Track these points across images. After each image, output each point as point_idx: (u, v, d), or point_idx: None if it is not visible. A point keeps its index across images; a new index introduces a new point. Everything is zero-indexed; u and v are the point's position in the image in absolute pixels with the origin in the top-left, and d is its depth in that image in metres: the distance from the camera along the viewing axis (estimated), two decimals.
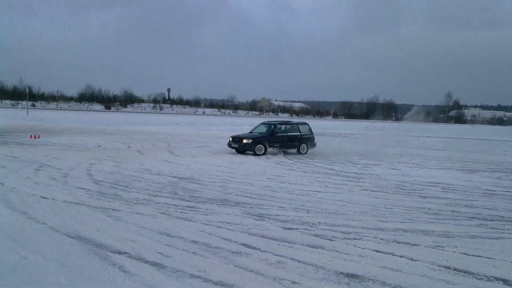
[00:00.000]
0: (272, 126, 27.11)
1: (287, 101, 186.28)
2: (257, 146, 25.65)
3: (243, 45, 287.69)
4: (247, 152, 25.80)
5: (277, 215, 10.81)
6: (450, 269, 7.39)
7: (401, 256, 7.99)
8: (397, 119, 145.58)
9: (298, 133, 27.42)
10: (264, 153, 25.66)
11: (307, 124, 28.67)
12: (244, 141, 25.79)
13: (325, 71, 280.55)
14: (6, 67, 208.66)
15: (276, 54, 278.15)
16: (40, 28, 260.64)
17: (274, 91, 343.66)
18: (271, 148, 26.39)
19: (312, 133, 28.13)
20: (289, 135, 27.07)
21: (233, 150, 26.31)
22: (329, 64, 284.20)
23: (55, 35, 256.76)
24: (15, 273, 6.49)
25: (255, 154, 25.43)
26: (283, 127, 27.32)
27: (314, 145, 28.17)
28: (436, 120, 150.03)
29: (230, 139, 26.65)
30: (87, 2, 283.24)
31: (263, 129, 27.51)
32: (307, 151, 27.29)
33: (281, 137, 26.73)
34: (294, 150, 27.21)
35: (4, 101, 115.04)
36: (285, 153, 26.84)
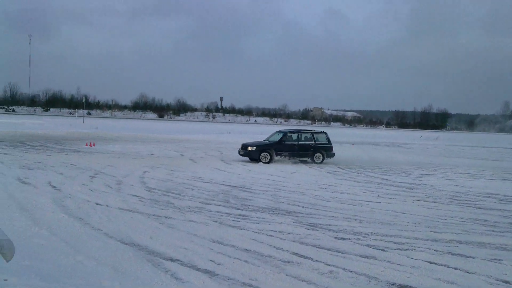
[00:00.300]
0: (281, 135, 27.21)
1: (340, 110, 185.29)
2: (262, 153, 25.74)
3: (295, 54, 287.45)
4: (254, 159, 25.82)
5: (329, 225, 10.74)
6: (510, 284, 7.19)
7: (456, 268, 7.83)
8: (451, 129, 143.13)
9: (312, 142, 27.06)
10: (269, 161, 25.54)
11: (325, 133, 28.14)
12: (249, 148, 25.99)
13: (378, 80, 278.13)
14: (64, 77, 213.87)
15: (329, 63, 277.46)
16: (96, 38, 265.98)
17: (327, 100, 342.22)
18: (279, 156, 26.27)
19: (329, 143, 27.58)
20: (301, 144, 26.82)
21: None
22: (382, 73, 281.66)
23: (111, 45, 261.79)
24: (71, 277, 6.61)
25: (260, 161, 25.46)
26: (294, 135, 27.29)
27: (332, 155, 27.54)
28: (492, 130, 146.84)
29: (241, 146, 26.84)
30: (143, 12, 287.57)
31: (276, 137, 27.38)
32: (322, 161, 26.77)
33: (291, 146, 26.60)
34: (307, 159, 26.87)
35: (62, 110, 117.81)
36: (300, 161, 26.66)
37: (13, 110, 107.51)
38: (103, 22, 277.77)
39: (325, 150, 27.22)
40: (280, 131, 28.28)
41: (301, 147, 26.73)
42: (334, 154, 27.72)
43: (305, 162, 26.63)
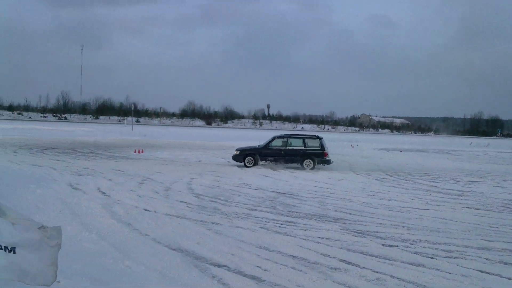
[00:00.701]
0: (269, 139, 27.12)
1: (388, 117, 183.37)
2: (247, 158, 25.97)
3: (343, 60, 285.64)
4: (240, 163, 26.05)
5: (377, 232, 10.65)
6: None
7: (509, 279, 7.67)
8: (503, 135, 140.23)
9: (302, 147, 26.40)
10: (254, 165, 25.60)
11: (319, 138, 27.24)
12: (235, 152, 26.51)
13: (426, 86, 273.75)
14: (114, 85, 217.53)
15: (377, 69, 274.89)
16: (146, 47, 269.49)
17: (374, 106, 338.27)
18: (264, 161, 26.21)
19: (323, 148, 26.31)
20: (289, 149, 26.27)
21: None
22: (431, 79, 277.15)
23: (160, 53, 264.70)
24: (120, 281, 6.71)
25: (245, 165, 25.58)
26: (282, 140, 26.82)
27: (326, 161, 26.08)
28: None
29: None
30: (191, 21, 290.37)
31: (267, 142, 27.12)
32: (313, 167, 25.68)
33: (278, 150, 26.19)
34: (296, 165, 26.12)
35: (111, 118, 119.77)
36: (287, 167, 25.81)
37: (65, 118, 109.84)
38: (152, 31, 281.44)
39: (317, 156, 26.05)
40: (278, 136, 27.84)
41: (288, 153, 26.20)
42: (329, 160, 26.26)
43: (295, 167, 25.87)
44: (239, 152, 26.45)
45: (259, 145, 27.44)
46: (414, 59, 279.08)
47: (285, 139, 26.86)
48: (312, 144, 26.59)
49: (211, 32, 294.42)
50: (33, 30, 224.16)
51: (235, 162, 26.29)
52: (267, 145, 26.62)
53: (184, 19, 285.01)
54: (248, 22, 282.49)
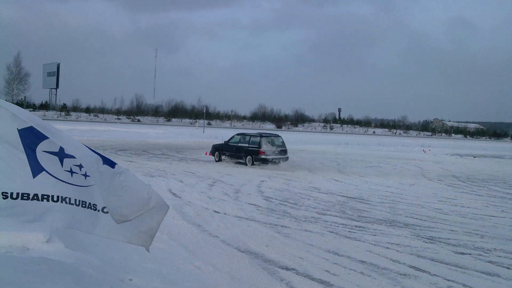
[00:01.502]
0: (231, 136, 29.00)
1: (461, 122, 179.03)
2: (215, 153, 28.48)
3: (417, 63, 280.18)
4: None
5: (448, 239, 10.43)
6: None
7: None
8: None
9: (246, 145, 26.97)
10: (219, 160, 27.88)
11: (260, 137, 27.07)
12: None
13: (503, 90, 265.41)
14: (187, 88, 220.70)
15: (452, 73, 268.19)
16: (219, 51, 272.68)
17: (448, 111, 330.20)
18: (224, 156, 28.03)
19: (259, 147, 26.23)
20: (238, 146, 27.32)
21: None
22: (509, 83, 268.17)
23: (232, 57, 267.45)
24: (189, 281, 6.82)
25: (215, 159, 28.16)
26: (237, 137, 28.14)
27: (261, 159, 25.98)
28: None
29: None
30: (265, 25, 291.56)
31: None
32: (252, 164, 26.09)
33: (231, 147, 27.61)
34: (241, 160, 26.93)
35: (183, 120, 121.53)
36: (237, 162, 27.10)
37: (138, 120, 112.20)
38: (226, 35, 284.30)
39: (254, 153, 26.29)
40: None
41: (237, 149, 27.25)
42: (265, 159, 25.99)
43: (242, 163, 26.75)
44: (212, 147, 29.22)
45: (224, 142, 29.35)
46: (491, 63, 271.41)
47: (239, 137, 28.24)
48: (254, 142, 27.01)
49: (284, 35, 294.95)
50: (111, 34, 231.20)
51: (304, 165, 26.23)
52: (227, 142, 28.51)
53: (258, 23, 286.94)
54: (322, 26, 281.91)
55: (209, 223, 10.92)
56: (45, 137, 4.26)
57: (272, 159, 26.30)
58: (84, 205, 4.41)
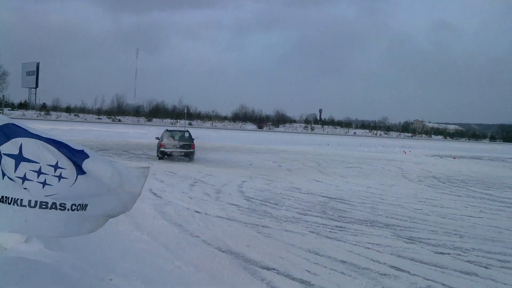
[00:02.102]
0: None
1: (441, 123, 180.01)
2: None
3: (397, 65, 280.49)
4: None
5: (428, 239, 10.50)
6: None
7: None
8: None
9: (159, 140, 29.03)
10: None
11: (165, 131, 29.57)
12: None
13: (483, 92, 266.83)
14: (168, 89, 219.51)
15: (433, 75, 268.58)
16: (201, 51, 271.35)
17: (428, 112, 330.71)
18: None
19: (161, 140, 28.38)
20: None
21: None
22: (487, 86, 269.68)
23: (214, 58, 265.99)
24: (170, 281, 6.79)
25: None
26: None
27: (162, 152, 28.00)
28: None
29: None
30: (247, 26, 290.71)
31: None
32: (157, 156, 28.48)
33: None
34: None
35: (164, 120, 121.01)
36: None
37: (119, 120, 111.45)
38: (208, 36, 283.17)
39: (158, 147, 28.42)
40: None
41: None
42: (163, 151, 27.87)
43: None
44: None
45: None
46: (472, 65, 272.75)
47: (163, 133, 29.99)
48: (161, 137, 29.06)
49: (267, 36, 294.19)
50: (92, 33, 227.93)
51: (285, 166, 26.34)
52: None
53: (240, 24, 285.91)
54: (305, 27, 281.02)
55: (190, 223, 10.89)
56: (7, 139, 4.23)
57: (171, 152, 27.94)
58: (44, 206, 4.36)
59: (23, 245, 6.95)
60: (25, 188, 4.29)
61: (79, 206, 4.39)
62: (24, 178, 4.28)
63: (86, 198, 4.43)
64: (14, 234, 7.00)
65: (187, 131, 30.96)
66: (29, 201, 4.30)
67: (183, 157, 28.00)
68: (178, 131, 30.68)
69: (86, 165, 4.39)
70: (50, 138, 4.38)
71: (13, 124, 4.33)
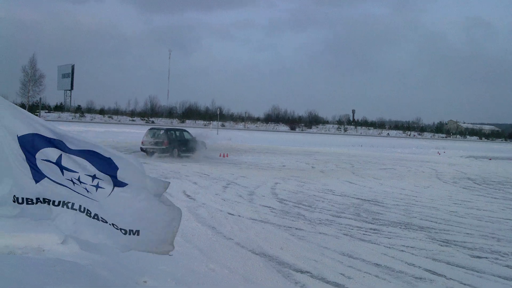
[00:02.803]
0: None
1: (476, 124, 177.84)
2: None
3: (432, 64, 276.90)
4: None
5: (464, 242, 10.35)
6: None
7: None
8: None
9: None
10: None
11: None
12: None
13: None
14: (201, 90, 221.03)
15: (468, 74, 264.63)
16: (234, 52, 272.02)
17: (463, 113, 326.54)
18: None
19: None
20: None
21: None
22: None
23: (247, 58, 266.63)
24: (204, 283, 6.82)
25: None
26: None
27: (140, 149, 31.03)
28: None
29: None
30: (280, 25, 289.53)
31: None
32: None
33: None
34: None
35: (197, 122, 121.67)
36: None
37: (152, 122, 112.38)
38: (241, 36, 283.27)
39: None
40: None
41: None
42: (141, 148, 30.99)
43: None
44: None
45: None
46: (508, 63, 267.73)
47: None
48: None
49: (299, 36, 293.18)
50: (125, 35, 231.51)
51: (318, 167, 26.30)
52: None
53: (272, 24, 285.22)
54: (337, 26, 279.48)
55: (223, 225, 10.91)
56: (46, 145, 4.31)
57: (146, 148, 30.52)
58: (88, 214, 4.44)
59: (60, 247, 7.04)
60: (76, 192, 4.39)
61: (130, 232, 4.47)
62: (72, 181, 4.40)
63: (136, 222, 4.49)
64: (52, 236, 7.11)
65: (163, 130, 32.90)
66: (80, 206, 4.40)
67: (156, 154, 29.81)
68: (156, 129, 33.29)
69: (120, 175, 4.43)
70: (82, 150, 4.43)
71: (44, 136, 4.40)
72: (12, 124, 4.28)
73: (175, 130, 33.69)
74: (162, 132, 31.74)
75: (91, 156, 4.40)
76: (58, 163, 4.35)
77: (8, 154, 4.34)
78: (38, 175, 4.36)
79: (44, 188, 4.40)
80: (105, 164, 4.39)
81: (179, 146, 30.93)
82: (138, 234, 4.50)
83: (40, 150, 4.33)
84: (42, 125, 4.42)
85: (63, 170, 4.37)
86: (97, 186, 4.37)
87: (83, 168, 4.36)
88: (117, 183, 4.39)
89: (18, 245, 6.91)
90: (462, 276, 7.91)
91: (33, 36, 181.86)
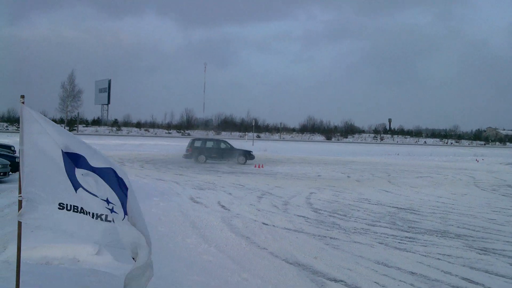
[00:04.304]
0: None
1: None
2: None
3: (471, 72, 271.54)
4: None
5: (503, 250, 10.16)
6: None
7: None
8: None
9: None
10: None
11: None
12: None
13: None
14: (237, 102, 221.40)
15: (506, 82, 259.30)
16: (270, 63, 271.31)
17: (502, 119, 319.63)
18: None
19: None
20: None
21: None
22: None
23: (282, 69, 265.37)
24: None
25: None
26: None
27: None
28: None
29: None
30: (316, 37, 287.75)
31: None
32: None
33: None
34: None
35: (233, 133, 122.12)
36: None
37: (189, 134, 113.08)
38: (278, 48, 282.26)
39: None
40: None
41: None
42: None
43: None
44: None
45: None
46: None
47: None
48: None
49: (335, 47, 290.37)
50: (163, 50, 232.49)
51: (353, 176, 26.16)
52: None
53: (310, 35, 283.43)
54: (375, 36, 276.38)
55: (257, 235, 10.89)
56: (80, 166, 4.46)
57: (186, 155, 36.39)
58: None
59: (94, 257, 7.13)
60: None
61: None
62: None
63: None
64: (87, 247, 7.19)
65: (199, 139, 41.00)
66: (112, 219, 4.51)
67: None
68: (192, 139, 40.06)
69: (128, 207, 4.53)
70: (103, 168, 4.52)
71: (78, 154, 4.51)
72: (56, 138, 4.45)
73: (206, 139, 39.61)
74: (190, 141, 37.92)
75: (108, 174, 4.51)
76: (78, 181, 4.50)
77: (50, 165, 4.49)
78: (76, 184, 4.49)
79: (81, 198, 4.52)
80: (117, 188, 4.49)
81: (208, 153, 36.14)
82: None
83: (77, 169, 4.48)
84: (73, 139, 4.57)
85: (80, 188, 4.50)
86: (112, 210, 4.46)
87: (99, 191, 4.46)
88: (126, 211, 4.48)
89: (55, 256, 7.02)
90: (501, 284, 7.78)
91: (72, 52, 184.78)
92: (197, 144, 36.83)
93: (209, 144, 37.33)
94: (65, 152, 4.46)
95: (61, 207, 4.58)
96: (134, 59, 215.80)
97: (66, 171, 4.49)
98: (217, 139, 40.99)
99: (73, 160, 4.47)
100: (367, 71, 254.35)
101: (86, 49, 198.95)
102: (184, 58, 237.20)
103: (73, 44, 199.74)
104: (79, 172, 4.47)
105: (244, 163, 35.37)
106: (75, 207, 4.57)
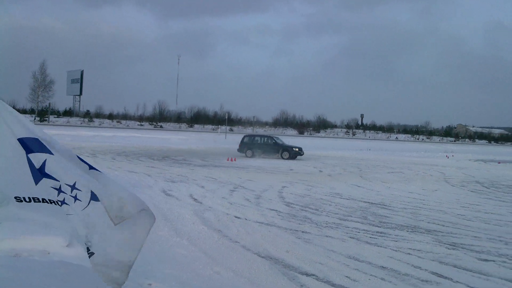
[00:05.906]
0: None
1: (486, 128, 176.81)
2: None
3: (447, 70, 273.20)
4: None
5: (471, 245, 10.30)
6: None
7: None
8: None
9: None
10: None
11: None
12: None
13: None
14: (211, 94, 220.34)
15: (483, 79, 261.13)
16: (247, 57, 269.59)
17: (473, 117, 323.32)
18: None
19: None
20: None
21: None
22: None
23: (260, 64, 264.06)
24: (209, 287, 6.81)
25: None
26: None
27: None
28: None
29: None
30: (297, 31, 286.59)
31: None
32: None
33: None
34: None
35: (205, 126, 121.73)
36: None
37: (161, 126, 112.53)
38: (256, 41, 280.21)
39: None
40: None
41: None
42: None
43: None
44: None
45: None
46: None
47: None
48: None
49: (316, 41, 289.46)
50: (137, 40, 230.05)
51: (325, 171, 26.28)
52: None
53: (290, 29, 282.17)
54: (355, 31, 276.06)
55: (230, 228, 10.90)
56: (35, 151, 4.29)
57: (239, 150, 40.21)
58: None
59: (65, 249, 7.06)
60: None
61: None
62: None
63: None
64: (57, 238, 7.13)
65: (250, 135, 43.70)
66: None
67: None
68: (244, 135, 42.75)
69: (96, 190, 4.37)
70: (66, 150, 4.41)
71: (38, 139, 4.36)
72: (14, 127, 4.29)
73: (254, 136, 43.17)
74: (242, 137, 41.85)
75: (74, 159, 4.38)
76: (41, 169, 4.32)
77: (8, 154, 4.34)
78: (36, 176, 4.35)
79: (43, 189, 4.38)
80: (85, 173, 4.36)
81: (256, 148, 39.45)
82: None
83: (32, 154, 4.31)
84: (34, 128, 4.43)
85: (42, 179, 4.32)
86: (75, 198, 4.33)
87: (64, 177, 4.32)
88: (94, 197, 4.35)
89: (24, 248, 6.94)
90: (469, 279, 7.87)
91: (43, 42, 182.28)
92: (246, 140, 40.73)
93: (257, 140, 40.68)
94: (21, 139, 4.32)
95: (19, 201, 4.43)
96: (110, 50, 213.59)
97: (27, 160, 4.37)
98: (266, 135, 44.15)
99: (32, 146, 4.34)
100: (344, 66, 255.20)
101: (62, 39, 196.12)
102: (161, 49, 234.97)
103: (48, 33, 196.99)
104: (38, 157, 4.32)
105: (289, 158, 37.93)
106: (36, 199, 4.43)
